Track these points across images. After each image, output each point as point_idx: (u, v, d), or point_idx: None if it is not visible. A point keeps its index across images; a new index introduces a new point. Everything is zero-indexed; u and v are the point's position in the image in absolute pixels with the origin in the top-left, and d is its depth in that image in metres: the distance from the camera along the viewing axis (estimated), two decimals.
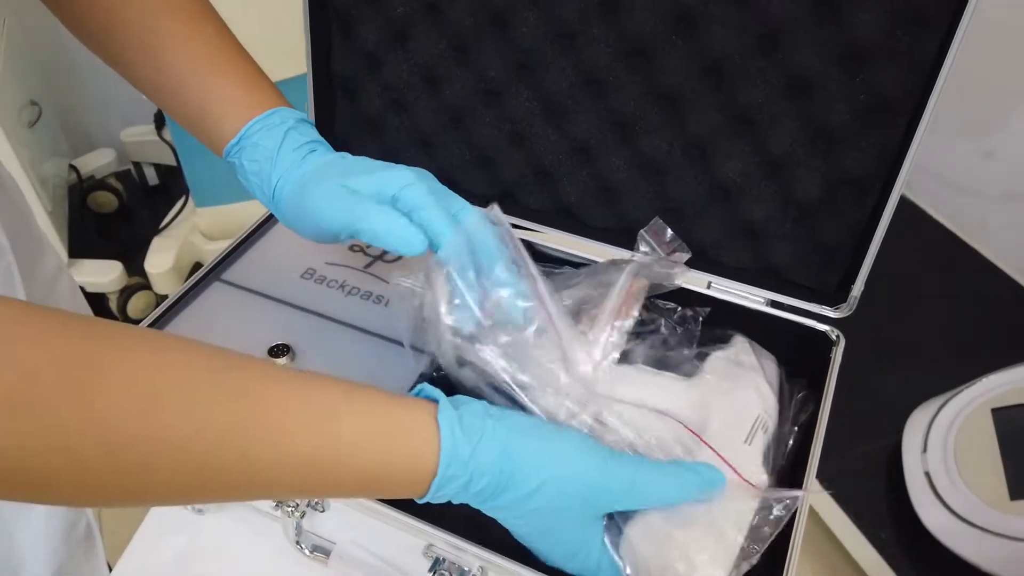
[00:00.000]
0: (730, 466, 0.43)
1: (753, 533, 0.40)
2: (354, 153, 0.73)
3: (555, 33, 0.56)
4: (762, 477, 0.44)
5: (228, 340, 0.54)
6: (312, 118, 0.66)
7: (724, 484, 0.40)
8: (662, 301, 0.55)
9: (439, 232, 0.42)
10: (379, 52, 0.62)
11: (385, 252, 0.63)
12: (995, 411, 0.69)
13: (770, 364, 0.52)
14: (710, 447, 0.44)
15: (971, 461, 0.67)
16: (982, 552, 0.65)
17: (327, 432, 0.34)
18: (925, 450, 0.70)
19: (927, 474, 0.68)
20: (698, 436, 0.45)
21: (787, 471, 0.53)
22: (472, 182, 0.65)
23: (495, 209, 0.45)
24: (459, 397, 0.39)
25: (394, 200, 0.43)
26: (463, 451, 0.35)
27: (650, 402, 0.46)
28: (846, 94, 0.50)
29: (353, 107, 0.66)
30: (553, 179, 0.62)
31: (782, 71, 0.51)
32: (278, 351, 0.52)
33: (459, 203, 0.45)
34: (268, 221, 0.66)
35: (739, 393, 0.48)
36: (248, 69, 0.48)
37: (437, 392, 0.38)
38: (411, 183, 0.43)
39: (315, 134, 0.49)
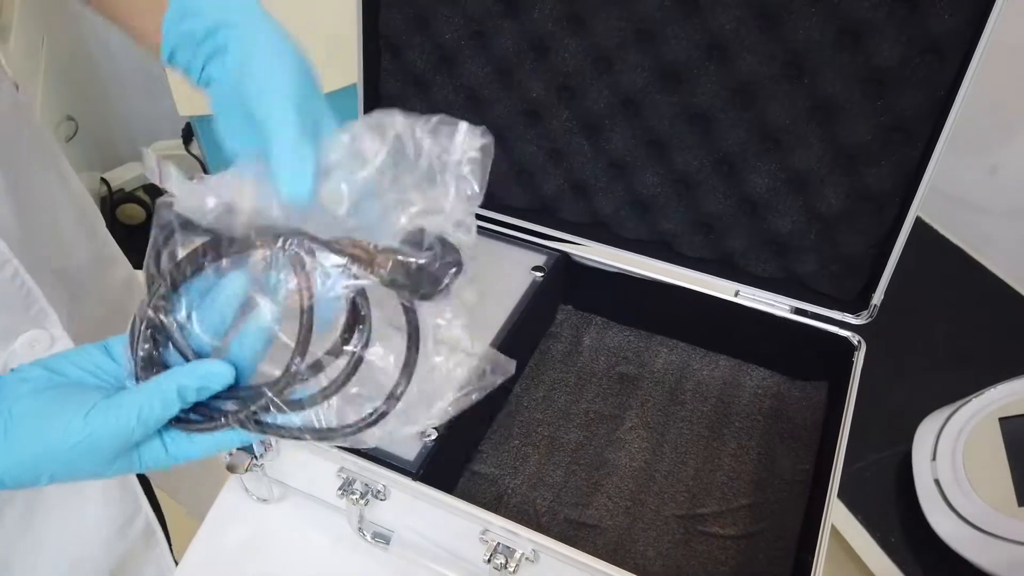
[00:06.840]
0: None
1: None
2: None
3: (594, 58, 0.60)
4: None
5: None
6: None
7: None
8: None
9: None
10: (426, 74, 0.66)
11: None
12: (1003, 420, 0.70)
13: None
14: None
15: (980, 468, 0.69)
16: (991, 557, 0.67)
17: None
18: (935, 458, 0.72)
19: (936, 481, 0.70)
20: None
21: (810, 475, 0.56)
22: (512, 196, 0.68)
23: None
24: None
25: None
26: None
27: None
28: (867, 116, 0.54)
29: None
30: (589, 193, 0.65)
31: (807, 94, 0.55)
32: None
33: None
34: None
35: None
36: None
37: None
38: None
39: None
